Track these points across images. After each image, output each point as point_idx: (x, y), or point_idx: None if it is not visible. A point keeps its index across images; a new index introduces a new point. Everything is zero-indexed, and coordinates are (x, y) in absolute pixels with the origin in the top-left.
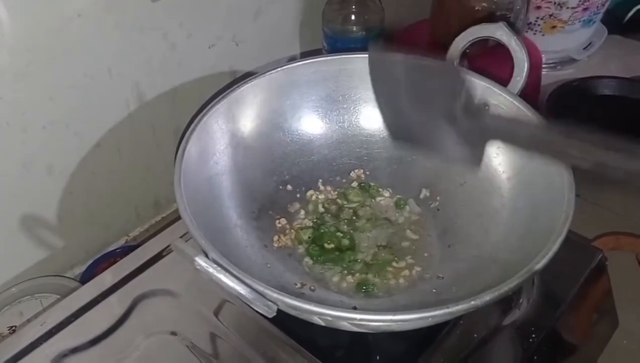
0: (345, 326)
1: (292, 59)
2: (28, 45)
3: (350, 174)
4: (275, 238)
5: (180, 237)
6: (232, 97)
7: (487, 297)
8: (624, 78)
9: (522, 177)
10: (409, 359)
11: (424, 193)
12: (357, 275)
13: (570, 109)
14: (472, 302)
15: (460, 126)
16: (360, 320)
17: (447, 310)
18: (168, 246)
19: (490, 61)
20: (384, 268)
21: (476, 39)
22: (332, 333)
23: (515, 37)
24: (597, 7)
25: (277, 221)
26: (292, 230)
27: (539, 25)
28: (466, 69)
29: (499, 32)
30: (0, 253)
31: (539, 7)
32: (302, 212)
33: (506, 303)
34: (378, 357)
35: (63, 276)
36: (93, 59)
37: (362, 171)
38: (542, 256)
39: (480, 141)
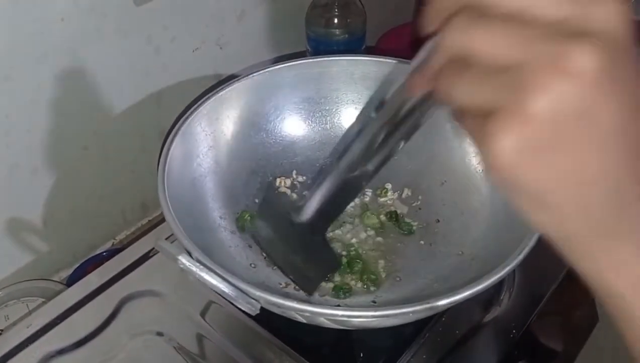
0: (327, 323)
1: (276, 62)
2: (11, 48)
3: None
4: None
5: (166, 238)
6: (215, 100)
7: (466, 292)
8: None
9: None
10: (393, 356)
11: (406, 192)
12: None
13: None
14: (452, 298)
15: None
16: (342, 316)
17: (428, 306)
18: (154, 247)
19: None
20: (366, 268)
21: None
22: (317, 332)
23: None
24: None
25: None
26: None
27: None
28: None
29: None
30: None
31: None
32: None
33: (487, 300)
34: (362, 354)
35: (49, 280)
36: (76, 63)
37: None
38: (519, 252)
39: None
